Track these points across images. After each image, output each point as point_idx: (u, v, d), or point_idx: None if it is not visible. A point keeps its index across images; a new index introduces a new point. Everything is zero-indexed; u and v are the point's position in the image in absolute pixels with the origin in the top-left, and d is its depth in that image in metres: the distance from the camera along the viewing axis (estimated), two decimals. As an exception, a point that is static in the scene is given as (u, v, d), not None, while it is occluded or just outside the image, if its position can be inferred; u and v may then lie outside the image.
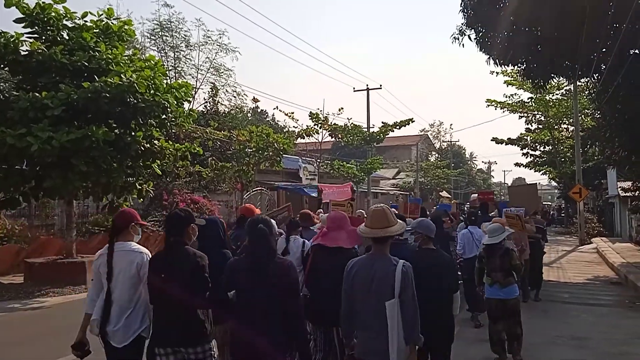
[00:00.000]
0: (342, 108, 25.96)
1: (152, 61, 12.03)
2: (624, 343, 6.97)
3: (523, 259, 7.92)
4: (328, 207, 8.45)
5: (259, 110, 45.48)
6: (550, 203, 62.76)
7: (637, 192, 15.60)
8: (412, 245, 4.92)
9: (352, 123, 27.54)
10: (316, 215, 7.85)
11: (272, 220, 3.67)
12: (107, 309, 3.70)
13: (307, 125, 23.22)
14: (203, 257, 3.59)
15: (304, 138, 23.48)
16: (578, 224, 23.44)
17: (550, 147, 32.52)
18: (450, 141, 61.00)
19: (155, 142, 11.97)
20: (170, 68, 24.35)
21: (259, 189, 23.75)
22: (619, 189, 21.02)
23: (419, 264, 3.80)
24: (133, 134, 11.08)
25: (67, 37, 11.59)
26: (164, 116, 11.53)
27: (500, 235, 6.05)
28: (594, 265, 15.32)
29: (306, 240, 5.55)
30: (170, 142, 12.99)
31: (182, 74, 26.33)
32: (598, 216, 29.60)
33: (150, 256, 3.78)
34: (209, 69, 28.41)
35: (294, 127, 24.11)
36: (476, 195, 15.59)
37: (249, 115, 39.65)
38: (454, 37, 14.12)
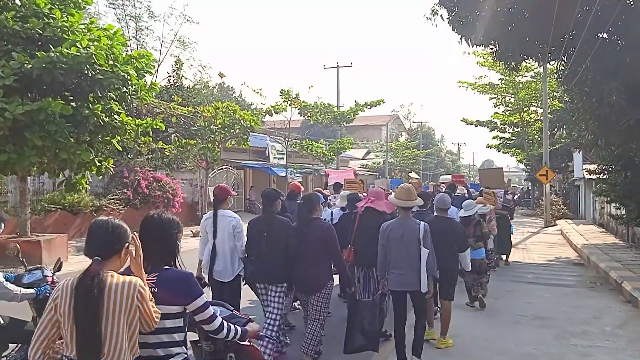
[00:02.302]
0: (312, 85, 25.58)
1: (110, 30, 11.64)
2: (584, 322, 7.27)
3: (490, 228, 9.14)
4: (339, 187, 10.58)
5: (225, 86, 44.79)
6: (517, 185, 64.44)
7: (602, 174, 16.11)
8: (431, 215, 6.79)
9: (322, 102, 27.47)
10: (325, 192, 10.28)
11: (318, 195, 5.65)
12: (213, 256, 5.43)
13: (275, 102, 23.02)
14: (289, 221, 5.51)
15: (272, 115, 23.30)
16: (544, 206, 24.13)
17: (519, 130, 33.21)
18: (421, 122, 61.57)
19: (115, 116, 11.64)
20: (131, 39, 23.67)
21: (225, 168, 23.57)
22: (584, 172, 21.65)
23: (436, 228, 5.49)
24: (91, 107, 10.75)
25: (19, 3, 11.08)
26: (124, 89, 11.21)
27: (473, 209, 7.87)
28: (558, 247, 15.85)
29: (333, 211, 7.86)
30: (131, 117, 12.68)
31: (145, 45, 25.65)
32: (564, 198, 30.51)
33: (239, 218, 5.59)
34: (172, 42, 27.78)
35: (262, 104, 23.91)
36: (448, 177, 16.80)
37: (215, 90, 39.06)
38: (427, 17, 14.13)
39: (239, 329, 2.98)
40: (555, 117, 27.08)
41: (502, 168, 18.60)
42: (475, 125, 34.08)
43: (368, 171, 43.65)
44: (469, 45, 14.35)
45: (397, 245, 5.21)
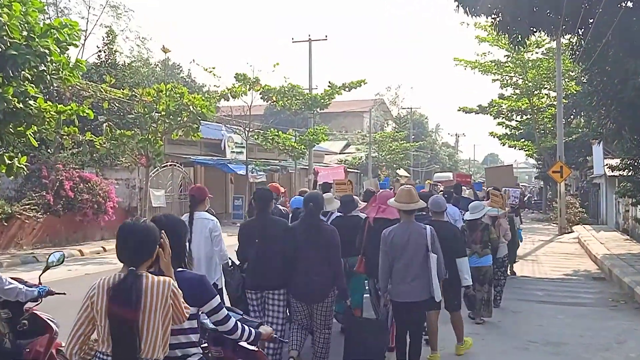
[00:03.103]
0: (277, 63, 25.11)
1: (24, -7, 11.40)
2: (604, 348, 7.45)
3: (503, 233, 9.58)
4: (328, 189, 10.71)
5: (170, 64, 44.40)
6: (526, 184, 65.44)
7: (627, 171, 16.41)
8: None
9: (290, 84, 27.43)
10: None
11: (323, 197, 6.49)
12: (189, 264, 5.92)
13: (232, 84, 22.90)
14: (285, 223, 6.21)
15: (228, 100, 23.16)
16: (558, 210, 24.52)
17: (529, 117, 33.65)
18: (411, 108, 62.06)
19: (31, 102, 11.42)
20: (48, 4, 23.27)
21: (170, 165, 23.36)
22: (605, 168, 22.05)
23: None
24: (0, 90, 10.52)
25: None
26: (42, 67, 11.01)
27: (481, 211, 8.42)
28: (575, 258, 16.20)
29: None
30: (52, 103, 12.48)
31: (66, 12, 25.26)
32: (581, 200, 31.08)
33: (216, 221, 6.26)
34: (103, 8, 27.44)
35: (215, 86, 23.67)
36: (444, 174, 17.30)
37: (157, 69, 38.70)
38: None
39: (253, 330, 3.58)
40: (571, 102, 27.57)
41: (511, 165, 19.35)
42: (476, 113, 34.47)
43: (347, 168, 43.85)
44: (467, 14, 14.53)
45: (402, 253, 5.80)
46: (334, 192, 10.16)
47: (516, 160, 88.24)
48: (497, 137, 37.43)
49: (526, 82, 30.32)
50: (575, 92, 26.55)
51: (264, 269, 5.83)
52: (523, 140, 36.77)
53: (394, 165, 49.57)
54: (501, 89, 32.78)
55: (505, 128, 36.77)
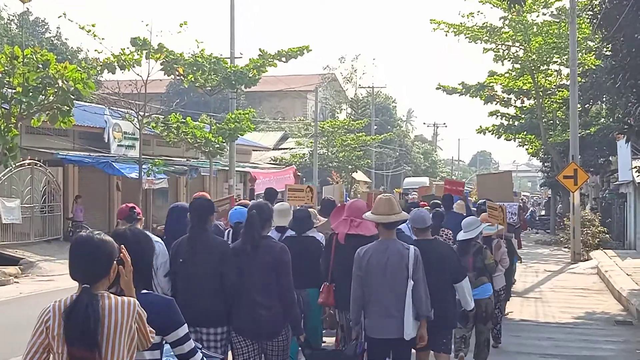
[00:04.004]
0: (185, 22, 24.65)
1: None
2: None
3: (500, 257, 10.02)
4: (274, 196, 11.31)
5: (32, 19, 43.59)
6: (528, 194, 66.75)
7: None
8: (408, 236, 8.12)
9: (202, 50, 27.24)
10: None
11: (269, 206, 6.82)
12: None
13: (121, 49, 22.56)
14: (225, 243, 6.71)
15: (114, 72, 22.85)
16: (571, 229, 24.89)
17: (532, 103, 34.08)
18: (372, 86, 62.46)
19: None
20: None
21: (30, 163, 22.89)
22: (634, 171, 22.44)
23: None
24: None
25: None
26: None
27: (476, 229, 8.79)
28: (592, 295, 16.55)
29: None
30: None
31: None
32: (602, 216, 31.61)
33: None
34: None
35: (97, 51, 23.24)
36: (417, 179, 17.80)
37: (13, 26, 37.92)
38: None
39: None
40: (589, 81, 28.16)
41: (510, 172, 19.72)
42: (461, 94, 34.65)
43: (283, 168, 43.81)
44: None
45: (380, 277, 6.20)
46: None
47: (515, 161, 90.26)
48: (488, 130, 37.60)
49: (529, 53, 30.66)
50: (594, 68, 27.15)
51: (196, 301, 6.02)
52: (525, 133, 37.09)
53: (349, 167, 49.70)
54: (495, 62, 33.06)
55: (501, 118, 36.96)
